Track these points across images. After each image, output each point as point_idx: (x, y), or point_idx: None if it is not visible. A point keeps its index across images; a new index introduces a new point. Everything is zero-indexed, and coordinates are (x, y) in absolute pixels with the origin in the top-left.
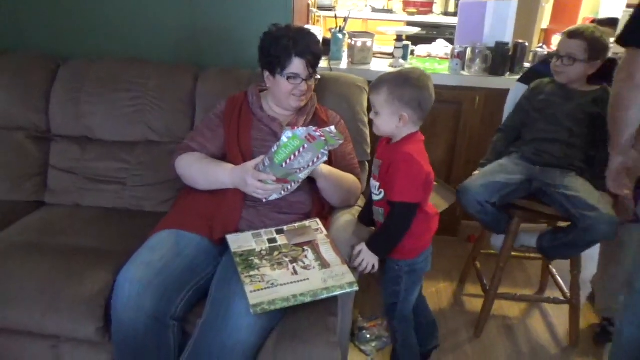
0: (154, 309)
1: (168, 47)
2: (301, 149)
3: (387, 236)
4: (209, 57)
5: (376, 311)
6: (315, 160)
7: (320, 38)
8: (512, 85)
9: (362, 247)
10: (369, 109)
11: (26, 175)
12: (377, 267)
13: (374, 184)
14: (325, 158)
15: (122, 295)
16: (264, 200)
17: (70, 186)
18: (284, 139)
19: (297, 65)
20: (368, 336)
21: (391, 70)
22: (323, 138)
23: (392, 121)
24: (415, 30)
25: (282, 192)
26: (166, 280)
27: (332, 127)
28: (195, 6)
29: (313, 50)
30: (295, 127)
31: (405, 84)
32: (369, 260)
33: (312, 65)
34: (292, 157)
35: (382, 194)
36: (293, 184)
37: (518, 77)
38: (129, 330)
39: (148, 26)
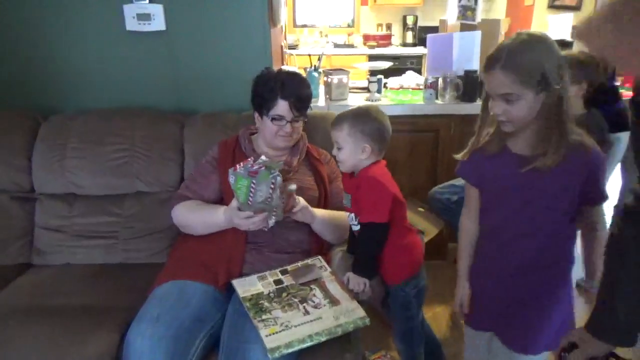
0: None
1: (150, 98)
2: (252, 185)
3: (363, 257)
4: (193, 104)
5: (378, 343)
6: (272, 187)
7: None
8: None
9: (348, 274)
10: None
11: (11, 237)
12: (367, 286)
13: (350, 216)
14: (280, 179)
15: (134, 353)
16: (265, 229)
17: (58, 245)
18: (231, 182)
19: (281, 107)
20: None
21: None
22: (263, 168)
23: (356, 153)
24: (388, 64)
25: (273, 217)
26: (177, 333)
27: (263, 156)
28: (175, 55)
29: (299, 93)
30: (237, 168)
31: (365, 117)
32: (357, 282)
33: (297, 108)
34: (251, 194)
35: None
36: (277, 209)
37: None
38: None
39: (129, 78)
